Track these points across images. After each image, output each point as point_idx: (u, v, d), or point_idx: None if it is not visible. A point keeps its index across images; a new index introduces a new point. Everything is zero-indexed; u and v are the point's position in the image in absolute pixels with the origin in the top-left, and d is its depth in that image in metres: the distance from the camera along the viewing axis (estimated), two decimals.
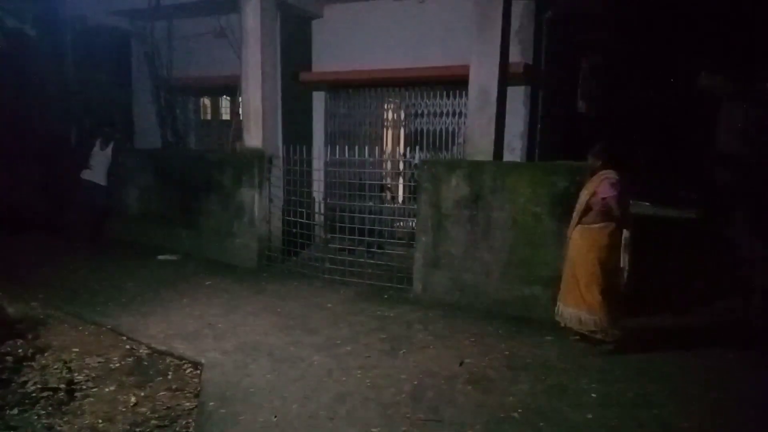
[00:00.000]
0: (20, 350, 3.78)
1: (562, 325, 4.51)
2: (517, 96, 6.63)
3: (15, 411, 3.27)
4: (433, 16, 7.19)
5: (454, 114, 7.23)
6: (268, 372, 3.88)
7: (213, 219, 7.36)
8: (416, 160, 6.06)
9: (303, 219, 6.81)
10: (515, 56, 6.38)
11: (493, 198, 5.37)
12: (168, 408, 3.37)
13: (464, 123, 6.89)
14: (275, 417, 3.24)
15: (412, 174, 6.24)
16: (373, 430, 3.14)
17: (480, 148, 5.73)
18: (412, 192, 6.45)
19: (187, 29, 8.79)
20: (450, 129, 7.29)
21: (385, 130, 8.05)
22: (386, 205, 7.31)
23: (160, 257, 7.35)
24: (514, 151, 6.64)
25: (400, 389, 3.66)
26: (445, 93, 7.23)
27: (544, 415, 3.36)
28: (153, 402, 3.41)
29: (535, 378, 3.87)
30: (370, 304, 5.57)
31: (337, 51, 7.92)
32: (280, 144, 7.39)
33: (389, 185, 7.96)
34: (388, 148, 8.19)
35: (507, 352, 4.34)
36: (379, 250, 6.61)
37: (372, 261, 6.42)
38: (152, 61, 8.88)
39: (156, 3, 8.28)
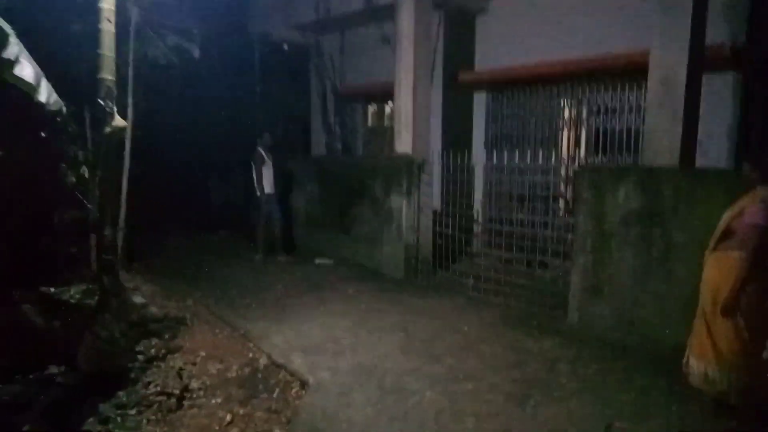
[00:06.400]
0: (153, 350, 4.01)
1: (693, 384, 3.39)
2: (721, 86, 5.26)
3: (133, 411, 3.42)
4: None
5: (638, 110, 6.04)
6: (371, 404, 3.50)
7: (365, 226, 7.30)
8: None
9: (456, 230, 6.32)
10: (719, 35, 5.07)
11: (675, 215, 4.26)
12: None
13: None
14: None
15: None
16: None
17: (660, 150, 4.59)
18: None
19: (354, 39, 8.97)
20: (635, 128, 6.11)
21: (554, 131, 7.09)
22: (547, 217, 6.42)
23: (317, 261, 7.54)
24: (708, 154, 5.23)
25: None
26: (628, 85, 6.08)
27: None
28: (246, 422, 3.29)
29: None
30: (512, 331, 4.84)
31: (501, 47, 7.24)
32: (433, 149, 7.02)
33: (561, 194, 7.01)
34: (560, 151, 7.22)
35: (680, 418, 3.31)
36: (540, 268, 5.81)
37: (526, 281, 5.65)
38: (321, 71, 9.25)
39: (325, 14, 8.57)
